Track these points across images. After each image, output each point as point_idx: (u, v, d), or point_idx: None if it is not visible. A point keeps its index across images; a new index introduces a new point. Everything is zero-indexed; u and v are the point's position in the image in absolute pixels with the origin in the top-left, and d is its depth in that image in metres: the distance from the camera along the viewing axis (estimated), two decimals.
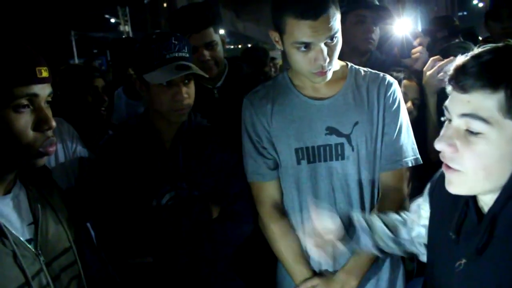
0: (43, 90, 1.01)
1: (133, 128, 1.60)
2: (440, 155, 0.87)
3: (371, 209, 1.49)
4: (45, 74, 1.01)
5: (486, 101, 0.77)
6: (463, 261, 0.88)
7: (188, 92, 1.51)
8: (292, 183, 1.49)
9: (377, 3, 2.06)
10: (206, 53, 1.90)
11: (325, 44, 1.32)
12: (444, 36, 3.05)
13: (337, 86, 1.47)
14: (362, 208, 1.48)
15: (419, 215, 1.16)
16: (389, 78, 1.49)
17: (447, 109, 0.86)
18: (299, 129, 1.45)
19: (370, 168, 1.47)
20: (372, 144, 1.45)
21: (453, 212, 0.92)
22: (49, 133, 1.02)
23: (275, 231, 1.49)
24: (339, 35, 1.35)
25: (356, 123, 1.44)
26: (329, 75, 1.39)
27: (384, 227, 1.22)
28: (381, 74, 1.51)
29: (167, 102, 1.49)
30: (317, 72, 1.36)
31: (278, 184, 1.53)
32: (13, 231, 0.99)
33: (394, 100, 1.46)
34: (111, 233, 1.50)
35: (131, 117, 1.75)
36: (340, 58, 1.53)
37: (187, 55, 1.52)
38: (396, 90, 1.48)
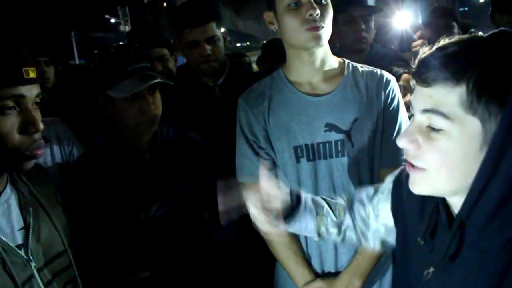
0: (30, 91, 0.98)
1: (104, 145, 1.56)
2: (404, 152, 0.83)
3: None
4: (32, 74, 0.97)
5: (448, 96, 0.73)
6: (431, 269, 0.83)
7: (155, 102, 1.49)
8: (292, 182, 1.45)
9: (367, 1, 2.06)
10: (208, 47, 1.89)
11: (314, 2, 1.34)
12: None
13: (335, 82, 1.45)
14: None
15: (376, 214, 1.11)
16: (387, 75, 1.47)
17: (410, 105, 0.82)
18: (297, 127, 1.42)
19: (370, 165, 1.44)
20: (372, 141, 1.43)
21: (422, 216, 0.87)
22: (37, 136, 0.99)
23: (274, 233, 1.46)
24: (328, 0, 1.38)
25: (356, 120, 1.41)
26: (323, 35, 1.37)
27: (329, 210, 1.18)
28: (379, 71, 1.49)
29: (135, 115, 1.46)
30: (309, 27, 1.34)
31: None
32: (2, 237, 0.97)
33: (393, 98, 1.44)
34: (104, 254, 1.46)
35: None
36: (337, 56, 1.52)
37: (149, 65, 1.50)
38: (395, 87, 1.46)
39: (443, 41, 0.77)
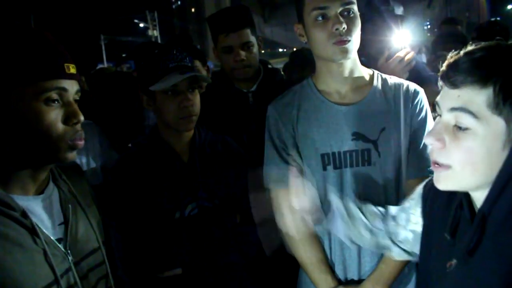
0: (72, 86, 1.04)
1: (144, 146, 1.62)
2: (429, 150, 0.89)
3: None
4: (73, 70, 1.04)
5: (476, 96, 0.78)
6: (454, 261, 0.88)
7: (194, 100, 1.54)
8: (318, 189, 1.45)
9: (395, 10, 2.05)
10: (242, 53, 1.91)
11: (341, 15, 1.36)
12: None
13: (363, 92, 1.47)
14: None
15: (407, 219, 1.14)
16: (415, 86, 1.49)
17: (437, 105, 0.87)
18: (325, 134, 1.44)
19: (396, 175, 1.45)
20: (399, 151, 1.44)
21: (448, 212, 0.93)
22: (78, 127, 1.04)
23: (299, 239, 1.48)
24: (355, 11, 1.39)
25: (383, 129, 1.42)
26: (350, 48, 1.39)
27: (361, 214, 1.21)
28: (408, 82, 1.51)
29: (174, 111, 1.52)
30: (336, 41, 1.37)
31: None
32: (44, 230, 1.02)
33: (421, 108, 1.46)
34: (138, 250, 1.51)
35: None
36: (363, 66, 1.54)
37: (189, 64, 1.56)
38: (423, 99, 1.47)
39: (470, 47, 0.83)
